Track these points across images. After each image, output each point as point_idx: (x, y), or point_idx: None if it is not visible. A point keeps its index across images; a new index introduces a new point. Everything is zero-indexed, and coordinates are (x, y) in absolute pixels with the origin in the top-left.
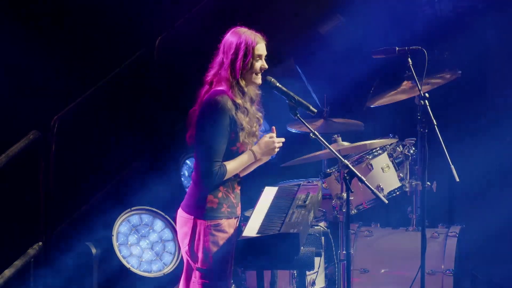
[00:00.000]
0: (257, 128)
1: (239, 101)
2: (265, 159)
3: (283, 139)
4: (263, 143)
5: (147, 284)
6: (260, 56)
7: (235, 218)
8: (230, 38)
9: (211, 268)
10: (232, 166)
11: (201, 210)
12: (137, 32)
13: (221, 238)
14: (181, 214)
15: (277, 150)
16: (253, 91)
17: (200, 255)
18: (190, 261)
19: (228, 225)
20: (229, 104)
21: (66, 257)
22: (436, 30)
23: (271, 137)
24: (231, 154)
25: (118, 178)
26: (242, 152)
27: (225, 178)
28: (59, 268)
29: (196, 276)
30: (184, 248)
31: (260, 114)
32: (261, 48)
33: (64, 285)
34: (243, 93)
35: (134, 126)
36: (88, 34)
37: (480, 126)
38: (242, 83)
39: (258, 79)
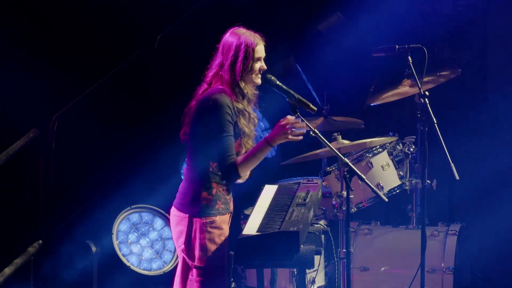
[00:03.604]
0: (252, 129)
1: (240, 105)
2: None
3: (295, 121)
4: (276, 129)
5: (147, 282)
6: (259, 57)
7: (228, 214)
8: (230, 39)
9: (208, 265)
10: (244, 161)
11: (196, 208)
12: (138, 30)
13: (217, 235)
14: (174, 212)
15: (290, 132)
16: (250, 91)
17: (197, 253)
18: (186, 259)
19: (223, 221)
20: (229, 103)
21: (66, 256)
22: (436, 28)
23: (283, 122)
24: None
25: (118, 176)
26: (238, 152)
27: (243, 173)
28: (59, 266)
29: (193, 274)
30: (180, 246)
31: (255, 114)
32: (260, 49)
33: (64, 284)
34: (243, 96)
35: (134, 124)
36: (88, 32)
37: (480, 124)
38: (242, 84)
39: (258, 79)
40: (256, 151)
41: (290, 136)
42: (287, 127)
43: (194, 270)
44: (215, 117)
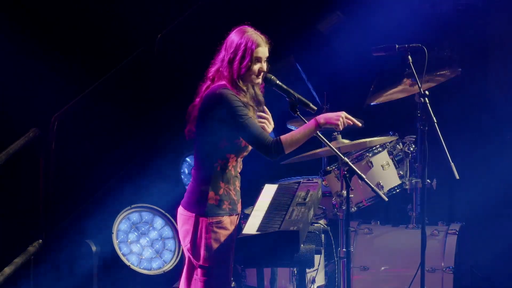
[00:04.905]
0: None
1: (244, 99)
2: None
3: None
4: (332, 113)
5: (147, 281)
6: (259, 59)
7: (236, 215)
8: (233, 36)
9: (213, 265)
10: (290, 138)
11: (203, 207)
12: (137, 30)
13: (223, 235)
14: (181, 212)
15: (340, 122)
16: (251, 89)
17: (202, 252)
18: (192, 259)
19: (229, 222)
20: (235, 95)
21: (66, 255)
22: (436, 28)
23: (342, 112)
24: (236, 146)
25: (118, 175)
26: (246, 145)
27: (288, 150)
28: (59, 265)
29: (198, 273)
30: (186, 245)
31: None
32: (261, 51)
33: (64, 283)
34: (244, 91)
35: (134, 124)
36: (88, 32)
37: (480, 123)
38: (240, 83)
39: (257, 80)
40: (302, 129)
41: (340, 122)
42: (343, 115)
43: (199, 270)
44: (227, 108)
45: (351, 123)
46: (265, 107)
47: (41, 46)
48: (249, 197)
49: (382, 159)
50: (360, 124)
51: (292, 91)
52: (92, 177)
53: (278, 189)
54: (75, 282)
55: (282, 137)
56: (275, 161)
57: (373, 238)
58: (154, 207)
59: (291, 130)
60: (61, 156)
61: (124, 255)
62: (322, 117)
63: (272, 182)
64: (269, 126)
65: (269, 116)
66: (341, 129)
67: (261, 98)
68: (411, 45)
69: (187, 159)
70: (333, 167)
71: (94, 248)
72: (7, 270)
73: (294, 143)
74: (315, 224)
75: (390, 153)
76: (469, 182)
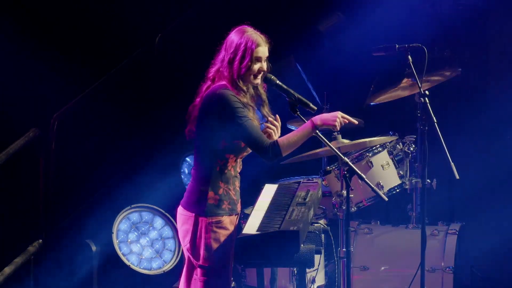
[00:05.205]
0: (259, 124)
1: (244, 99)
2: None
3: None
4: (328, 114)
5: (147, 281)
6: (259, 59)
7: (235, 215)
8: (233, 36)
9: (212, 265)
10: (287, 141)
11: (202, 207)
12: (137, 30)
13: (223, 235)
14: (181, 211)
15: (337, 122)
16: (251, 89)
17: (201, 252)
18: (191, 259)
19: (229, 222)
20: (235, 95)
21: (66, 255)
22: (437, 28)
23: (339, 112)
24: (235, 147)
25: (118, 175)
26: (245, 146)
27: (285, 153)
28: (59, 265)
29: (197, 273)
30: (186, 245)
31: (257, 116)
32: (261, 51)
33: (64, 283)
34: (245, 91)
35: (134, 124)
36: (88, 32)
37: (480, 123)
38: (240, 83)
39: (257, 80)
40: (299, 131)
41: (337, 122)
42: (339, 115)
43: (199, 270)
44: (226, 108)
45: (348, 121)
46: (277, 116)
47: (41, 46)
48: (249, 197)
49: (382, 159)
50: (357, 122)
51: (292, 91)
52: (92, 177)
53: (278, 189)
54: (75, 281)
55: (279, 139)
56: (275, 161)
57: (373, 238)
58: (154, 207)
59: (291, 130)
60: (61, 156)
61: (124, 255)
62: (318, 118)
63: (272, 182)
64: (276, 134)
65: (279, 124)
66: (338, 129)
67: (264, 97)
68: (411, 45)
69: (187, 159)
70: (333, 167)
71: (94, 248)
72: (7, 270)
73: (291, 145)
74: (315, 224)
75: (390, 153)
76: (469, 182)
